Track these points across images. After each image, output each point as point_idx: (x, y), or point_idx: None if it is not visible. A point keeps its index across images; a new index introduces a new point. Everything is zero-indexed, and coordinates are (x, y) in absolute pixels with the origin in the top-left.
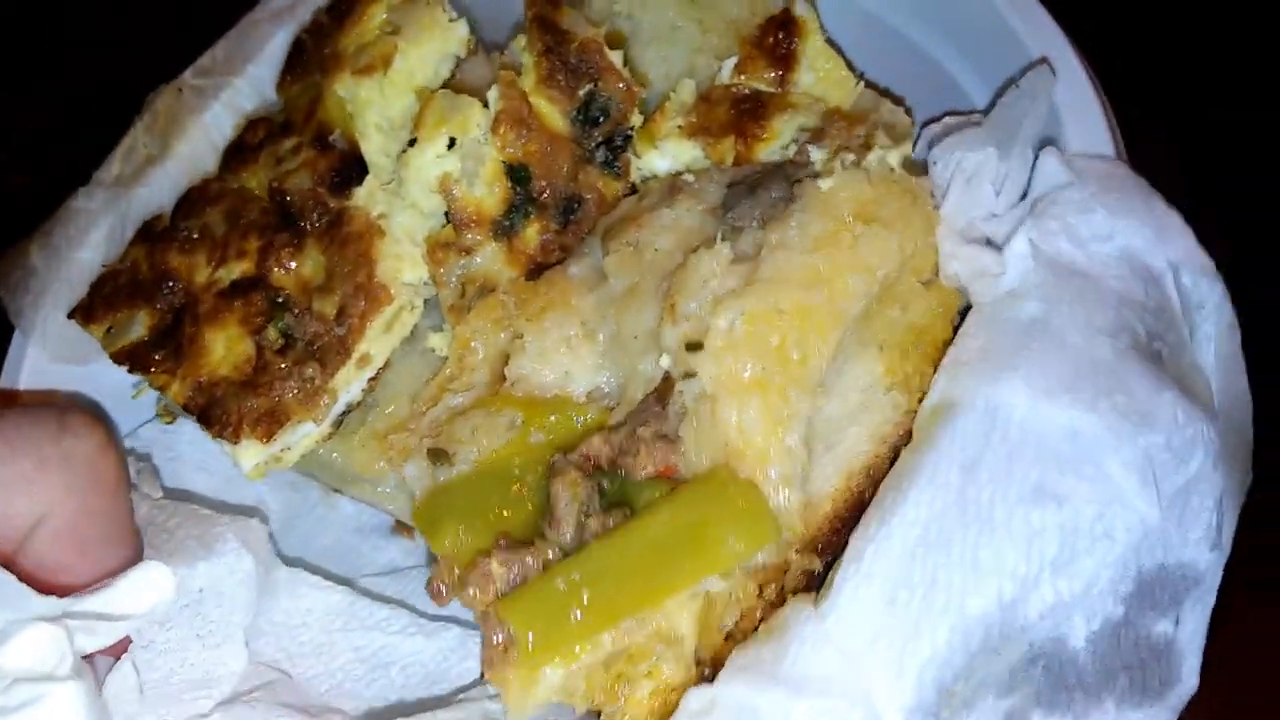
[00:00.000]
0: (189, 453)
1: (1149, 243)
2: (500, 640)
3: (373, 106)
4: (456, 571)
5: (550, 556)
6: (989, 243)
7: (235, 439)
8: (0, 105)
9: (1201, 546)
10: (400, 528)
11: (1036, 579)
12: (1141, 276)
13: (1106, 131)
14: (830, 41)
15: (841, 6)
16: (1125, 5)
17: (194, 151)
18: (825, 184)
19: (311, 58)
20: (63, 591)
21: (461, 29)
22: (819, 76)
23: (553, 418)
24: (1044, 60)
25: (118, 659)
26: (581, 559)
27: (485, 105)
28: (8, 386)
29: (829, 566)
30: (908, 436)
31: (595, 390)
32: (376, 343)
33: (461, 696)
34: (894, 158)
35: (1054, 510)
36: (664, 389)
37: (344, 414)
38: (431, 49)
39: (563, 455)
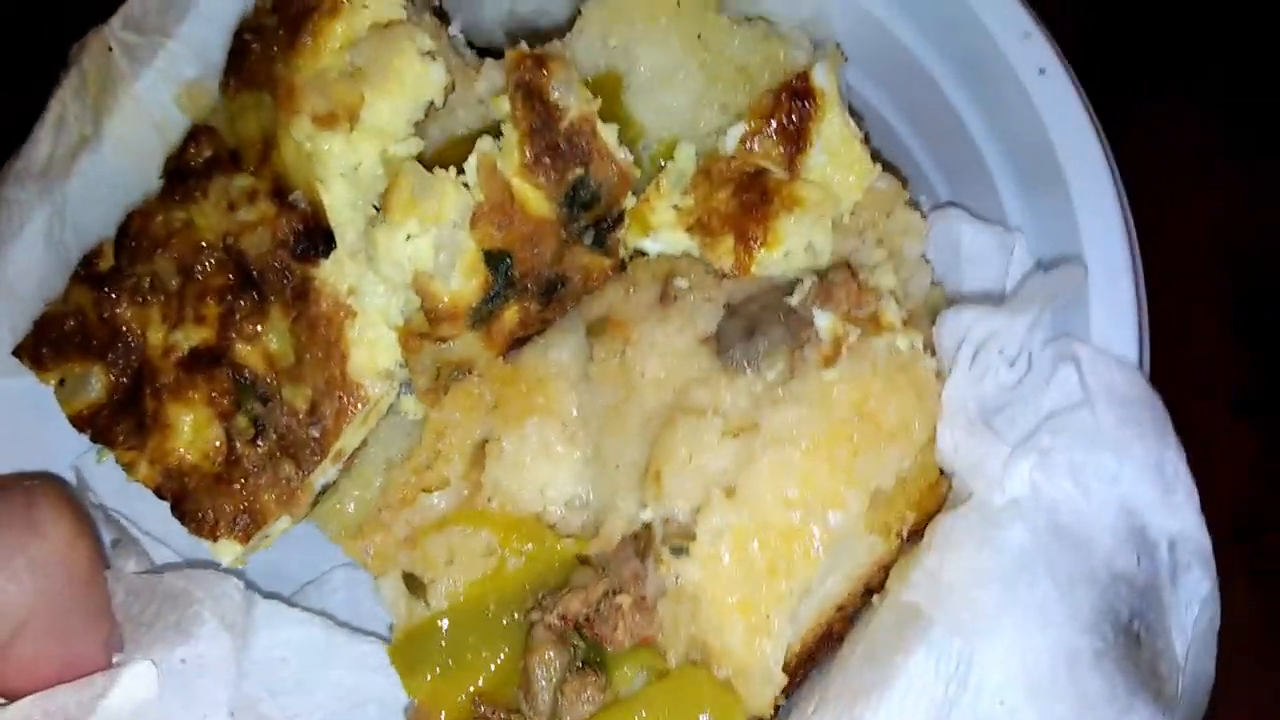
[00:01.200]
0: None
1: (1151, 504)
2: None
3: (336, 157)
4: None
5: None
6: (987, 421)
7: (214, 538)
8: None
9: None
10: None
11: None
12: (1136, 543)
13: (1134, 328)
14: (852, 110)
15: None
16: None
17: (131, 133)
18: (829, 375)
19: (257, 68)
20: (45, 682)
21: (436, 73)
22: (832, 159)
23: (529, 546)
24: (1081, 264)
25: None
26: None
27: (461, 174)
28: None
29: (795, 684)
30: (884, 574)
31: (572, 499)
32: (351, 436)
33: None
34: (903, 343)
35: None
36: (644, 541)
37: (319, 493)
38: (402, 101)
39: (540, 616)
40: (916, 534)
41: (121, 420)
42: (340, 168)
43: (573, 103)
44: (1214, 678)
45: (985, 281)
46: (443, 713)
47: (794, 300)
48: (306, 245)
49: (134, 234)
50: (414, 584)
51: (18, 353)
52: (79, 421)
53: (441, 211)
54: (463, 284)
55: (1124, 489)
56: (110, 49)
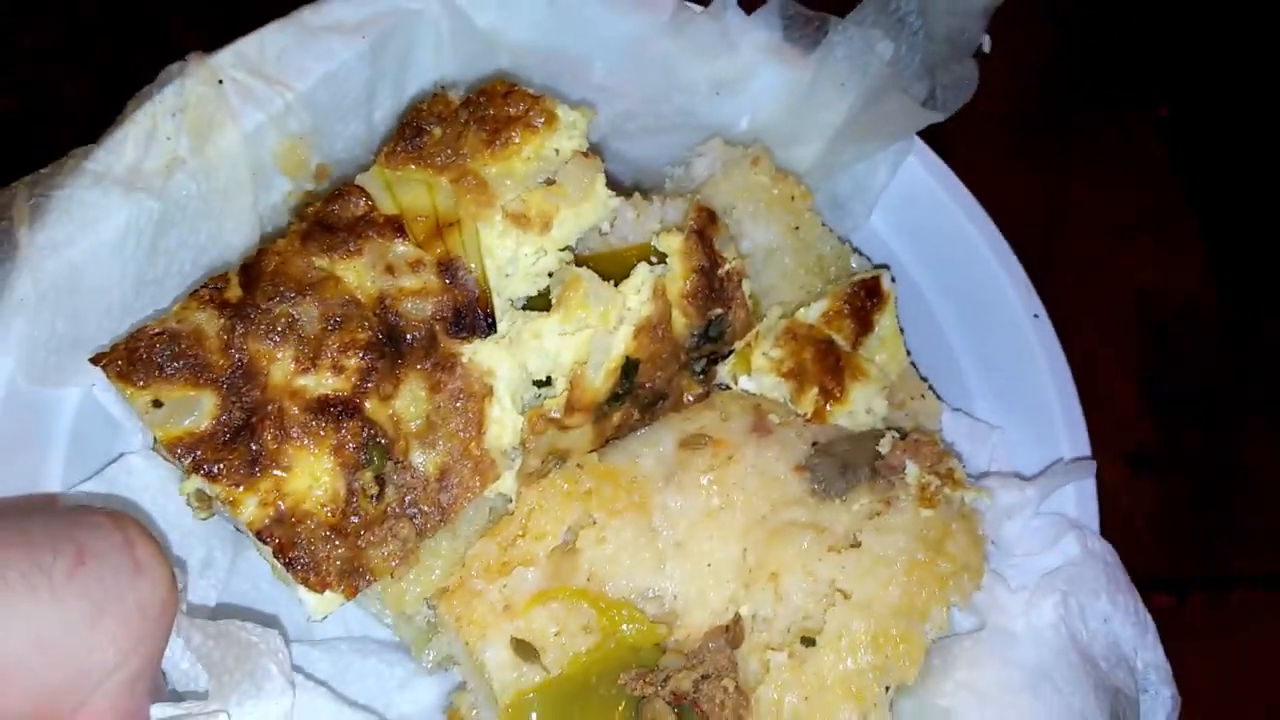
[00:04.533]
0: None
1: (1131, 637)
2: None
3: (506, 253)
4: None
5: None
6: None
7: (320, 589)
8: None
9: None
10: None
11: None
12: (1123, 666)
13: (1096, 514)
14: (897, 317)
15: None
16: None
17: (229, 169)
18: (926, 513)
19: (437, 151)
20: None
21: (614, 204)
22: (882, 344)
23: (625, 628)
24: (1090, 458)
25: None
26: None
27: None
28: None
29: None
30: None
31: (647, 592)
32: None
33: None
34: (969, 498)
35: None
36: (735, 634)
37: None
38: (587, 220)
39: (655, 688)
40: None
41: (230, 455)
42: (514, 257)
43: (729, 254)
44: None
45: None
46: None
47: (883, 449)
48: (469, 324)
49: (269, 273)
50: (524, 649)
51: (99, 361)
52: (175, 448)
53: (608, 319)
54: (603, 380)
55: (1113, 627)
56: (220, 82)
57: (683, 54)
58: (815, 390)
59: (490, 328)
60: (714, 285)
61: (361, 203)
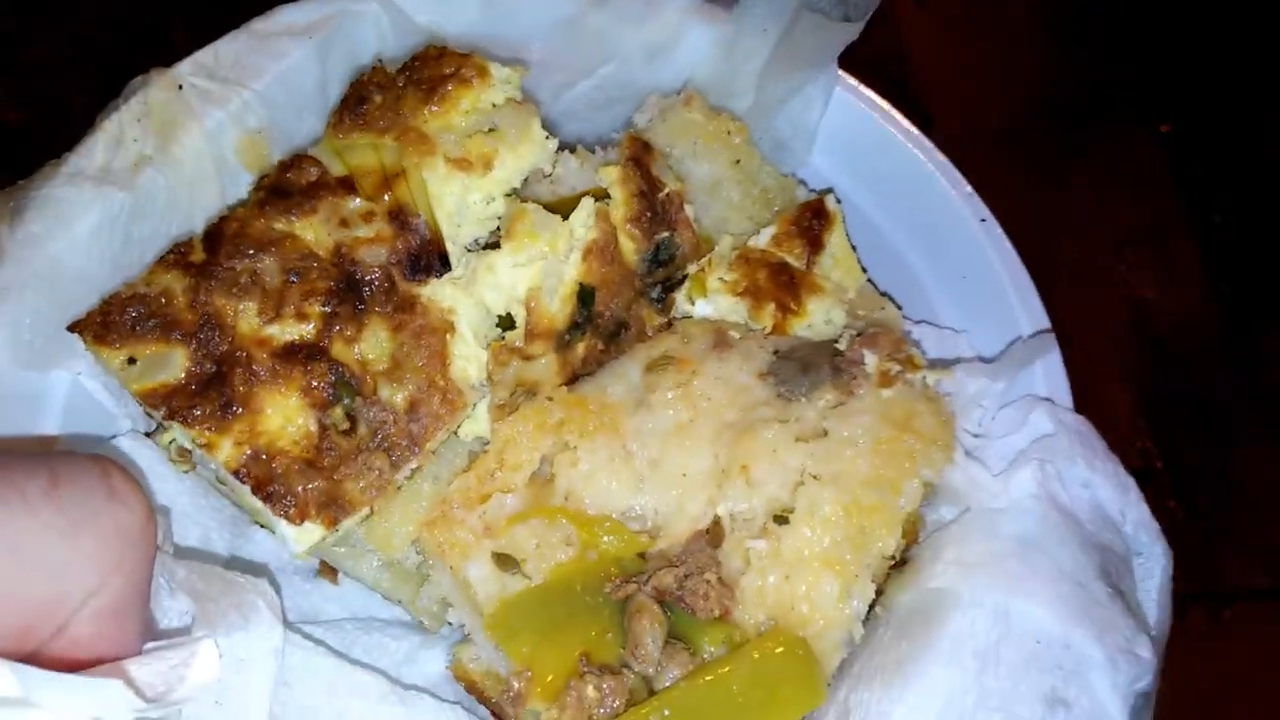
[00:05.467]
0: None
1: (1114, 499)
2: None
3: (454, 199)
4: (535, 684)
5: (632, 684)
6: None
7: (299, 521)
8: (4, 37)
9: None
10: (325, 570)
11: None
12: (1110, 528)
13: (1068, 392)
14: (848, 236)
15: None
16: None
17: (194, 164)
18: (887, 394)
19: (379, 115)
20: (90, 667)
21: (552, 145)
22: (836, 263)
23: (605, 539)
24: (1050, 330)
25: None
26: (668, 700)
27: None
28: None
29: None
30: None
31: (628, 511)
32: (440, 440)
33: None
34: (932, 379)
35: (1063, 715)
36: (715, 535)
37: None
38: (526, 161)
39: (637, 586)
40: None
41: (203, 401)
42: (462, 204)
43: (668, 179)
44: (1168, 632)
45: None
46: (549, 675)
47: (842, 345)
48: (423, 265)
49: (230, 235)
50: (506, 562)
51: (75, 328)
52: (151, 399)
53: (555, 245)
54: (559, 307)
55: (1095, 492)
56: (180, 87)
57: (612, 25)
58: (772, 306)
59: (445, 266)
60: (655, 209)
61: (314, 170)
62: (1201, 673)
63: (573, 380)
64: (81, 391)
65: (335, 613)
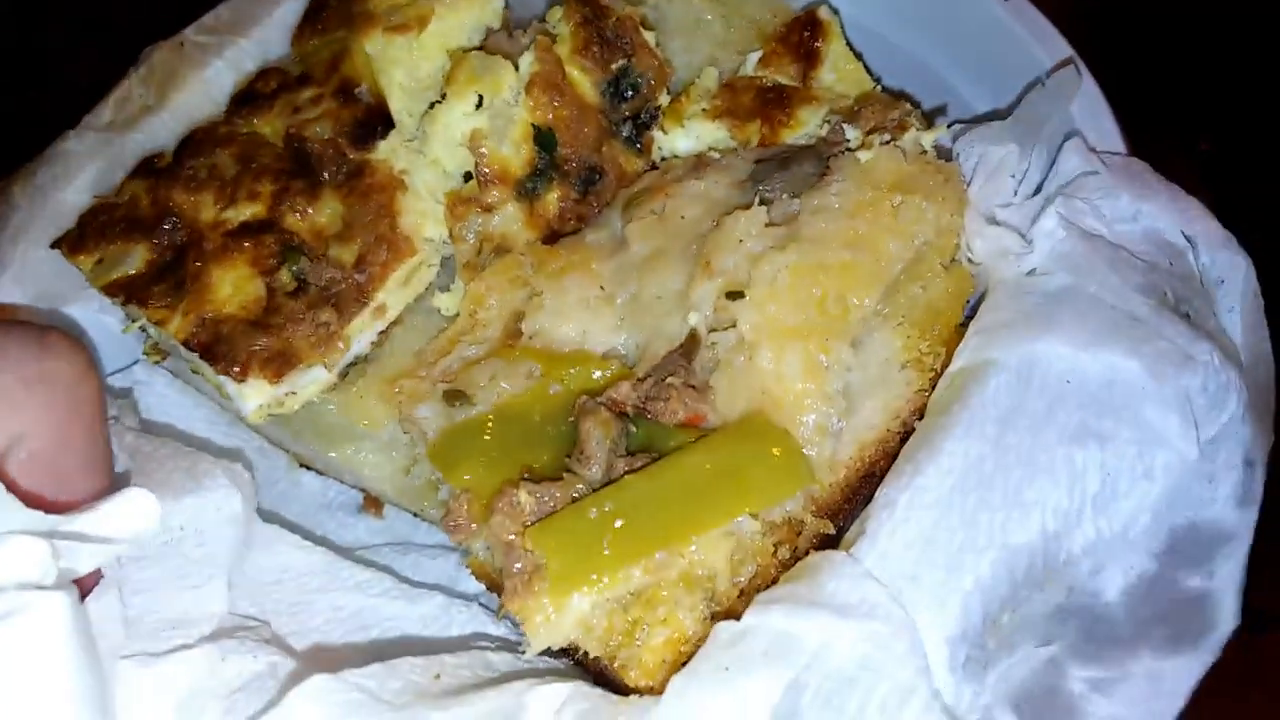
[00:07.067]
0: (159, 404)
1: (1171, 223)
2: (524, 569)
3: (400, 65)
4: (474, 506)
5: (578, 492)
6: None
7: (242, 377)
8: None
9: (1229, 504)
10: (369, 504)
11: (1079, 514)
12: (1166, 251)
13: (1119, 135)
14: (850, 46)
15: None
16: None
17: (191, 103)
18: (864, 156)
19: (335, 14)
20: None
21: (498, 3)
22: (840, 76)
23: (572, 370)
24: (1069, 61)
25: (85, 595)
26: (614, 491)
27: (516, 70)
28: None
29: (841, 531)
30: (919, 414)
31: (611, 351)
32: (394, 295)
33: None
34: (927, 140)
35: (1096, 450)
36: (690, 346)
37: (350, 365)
38: (468, 16)
39: (590, 398)
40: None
41: (158, 285)
42: (402, 76)
43: (618, 5)
44: (1274, 365)
45: None
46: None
47: (823, 131)
48: (367, 130)
49: (195, 140)
50: (454, 396)
51: (57, 244)
52: (111, 290)
53: (499, 85)
54: (513, 151)
55: (1144, 222)
56: (181, 45)
57: None
58: (758, 123)
59: (388, 124)
60: (605, 35)
61: (277, 77)
62: (1233, 702)
63: (553, 239)
64: (101, 326)
65: (375, 538)
